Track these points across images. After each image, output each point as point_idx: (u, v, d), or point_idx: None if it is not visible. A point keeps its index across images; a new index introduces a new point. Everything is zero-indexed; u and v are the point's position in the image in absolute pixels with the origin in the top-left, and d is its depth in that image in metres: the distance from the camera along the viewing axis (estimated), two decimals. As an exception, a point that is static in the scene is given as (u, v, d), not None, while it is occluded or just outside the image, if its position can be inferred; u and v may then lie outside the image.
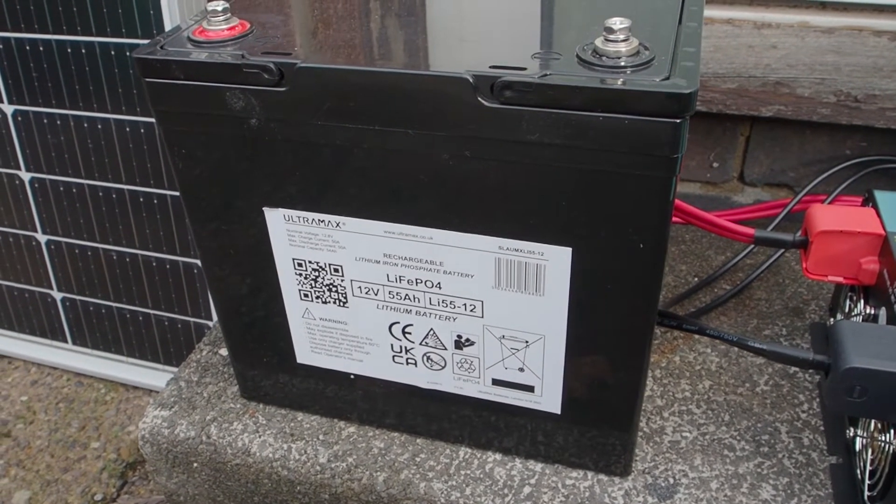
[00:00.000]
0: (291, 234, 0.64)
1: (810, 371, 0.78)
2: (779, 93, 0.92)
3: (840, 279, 0.69)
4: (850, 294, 0.75)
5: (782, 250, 0.89)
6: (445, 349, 0.66)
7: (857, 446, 0.67)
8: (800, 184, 1.02)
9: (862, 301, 0.69)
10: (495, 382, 0.67)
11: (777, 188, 1.04)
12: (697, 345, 0.82)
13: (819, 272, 0.69)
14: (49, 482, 0.98)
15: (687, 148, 1.01)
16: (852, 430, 0.68)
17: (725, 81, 0.93)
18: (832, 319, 0.81)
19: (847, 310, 0.75)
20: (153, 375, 1.09)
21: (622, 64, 0.51)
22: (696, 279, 0.92)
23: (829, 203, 0.89)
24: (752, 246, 0.91)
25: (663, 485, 0.68)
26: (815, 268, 0.69)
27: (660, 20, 0.58)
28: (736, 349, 0.81)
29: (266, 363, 0.75)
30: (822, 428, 0.73)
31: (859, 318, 0.69)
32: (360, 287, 0.65)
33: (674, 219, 0.62)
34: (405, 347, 0.68)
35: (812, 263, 0.69)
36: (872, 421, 0.64)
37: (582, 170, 0.53)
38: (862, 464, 0.65)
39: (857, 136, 0.96)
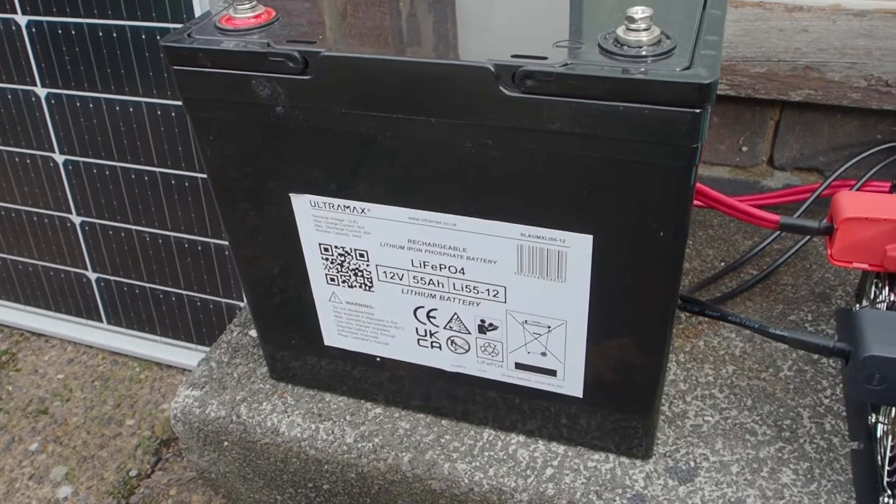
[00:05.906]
0: (318, 219, 0.65)
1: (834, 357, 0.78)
2: (808, 77, 0.92)
3: (865, 266, 0.69)
4: (875, 281, 0.75)
5: (808, 236, 0.89)
6: (469, 333, 0.67)
7: (879, 432, 0.67)
8: (830, 168, 1.01)
9: (887, 288, 0.69)
10: (518, 366, 0.68)
11: (807, 172, 1.03)
12: (722, 329, 0.83)
13: (844, 259, 0.69)
14: (85, 458, 1.00)
15: (716, 132, 1.02)
16: (874, 416, 0.68)
17: (755, 65, 0.93)
18: (858, 306, 0.81)
19: (872, 296, 0.75)
20: (186, 355, 1.11)
21: (643, 53, 0.51)
22: (722, 264, 0.92)
23: (858, 188, 0.89)
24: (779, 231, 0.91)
25: (684, 468, 0.69)
26: (839, 255, 0.69)
27: (683, 5, 0.58)
28: (760, 334, 0.81)
29: (294, 345, 0.76)
30: (844, 413, 0.73)
31: (884, 305, 0.69)
32: (385, 272, 0.66)
33: (696, 202, 0.63)
34: (430, 331, 0.69)
35: (837, 250, 0.69)
36: (894, 408, 0.64)
37: (603, 158, 0.53)
38: (883, 450, 0.65)
39: (888, 120, 0.95)
